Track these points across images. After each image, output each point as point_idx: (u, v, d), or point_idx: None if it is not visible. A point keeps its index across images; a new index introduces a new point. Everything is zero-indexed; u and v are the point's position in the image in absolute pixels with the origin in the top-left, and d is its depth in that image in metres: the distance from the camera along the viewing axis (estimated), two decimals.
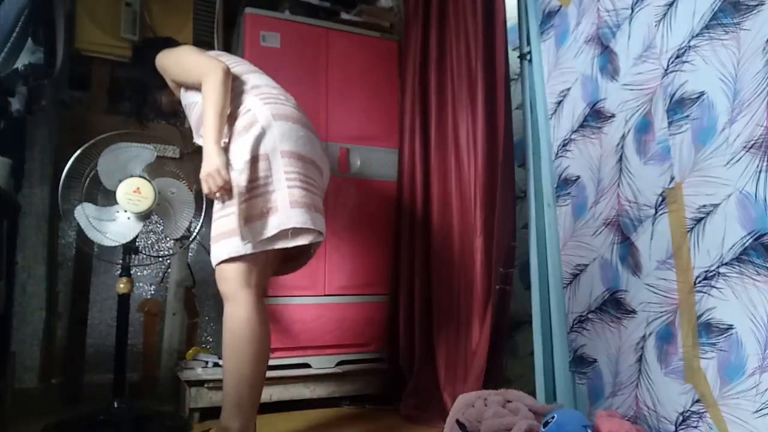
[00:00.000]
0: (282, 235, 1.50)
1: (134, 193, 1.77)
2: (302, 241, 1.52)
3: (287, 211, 1.50)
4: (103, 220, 1.78)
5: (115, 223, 1.79)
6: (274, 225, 1.49)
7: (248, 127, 1.55)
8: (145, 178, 1.79)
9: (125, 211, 1.79)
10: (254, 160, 1.52)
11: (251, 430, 1.53)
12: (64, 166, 2.19)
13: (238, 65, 1.74)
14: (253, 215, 1.50)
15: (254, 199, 1.50)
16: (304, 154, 1.58)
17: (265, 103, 1.60)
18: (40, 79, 1.95)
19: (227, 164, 1.53)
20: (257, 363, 1.51)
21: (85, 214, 1.76)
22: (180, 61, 1.72)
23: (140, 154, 1.85)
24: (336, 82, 2.46)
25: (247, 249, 1.48)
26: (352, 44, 2.51)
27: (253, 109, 1.58)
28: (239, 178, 1.50)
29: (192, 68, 1.66)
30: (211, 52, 1.77)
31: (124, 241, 1.80)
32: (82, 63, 2.31)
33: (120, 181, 1.78)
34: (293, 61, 2.39)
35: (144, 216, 1.82)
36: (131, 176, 1.79)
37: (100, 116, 2.31)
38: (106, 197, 1.83)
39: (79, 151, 1.80)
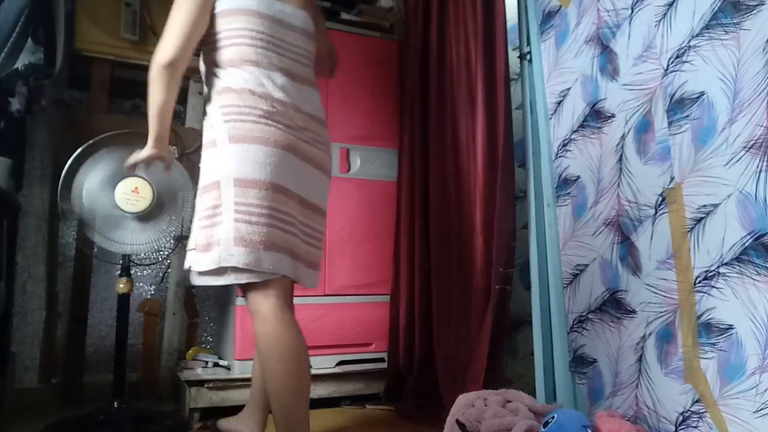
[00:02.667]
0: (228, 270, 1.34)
1: (132, 193, 1.77)
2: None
3: (230, 247, 1.32)
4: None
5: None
6: (214, 259, 1.33)
7: (208, 146, 1.44)
8: (143, 178, 1.78)
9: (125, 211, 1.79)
10: (208, 188, 1.40)
11: None
12: (64, 166, 2.19)
13: (243, 43, 1.45)
14: (204, 245, 1.36)
15: (204, 230, 1.38)
16: (276, 182, 1.36)
17: (225, 120, 1.40)
18: (40, 79, 1.95)
19: (153, 157, 1.50)
20: (303, 373, 1.39)
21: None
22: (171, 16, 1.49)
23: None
24: (336, 82, 2.46)
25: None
26: (352, 44, 2.51)
27: (215, 125, 1.43)
28: (197, 203, 1.42)
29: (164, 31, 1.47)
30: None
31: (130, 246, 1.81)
32: (82, 63, 2.31)
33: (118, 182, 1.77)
34: None
35: (143, 217, 1.81)
36: (129, 176, 1.76)
37: (100, 116, 2.31)
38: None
39: (79, 151, 1.80)
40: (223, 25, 1.45)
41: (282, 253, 1.36)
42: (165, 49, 1.44)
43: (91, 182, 1.78)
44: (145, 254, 1.95)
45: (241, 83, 1.42)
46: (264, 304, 1.37)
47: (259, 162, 1.35)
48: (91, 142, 1.82)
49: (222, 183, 1.36)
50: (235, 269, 1.33)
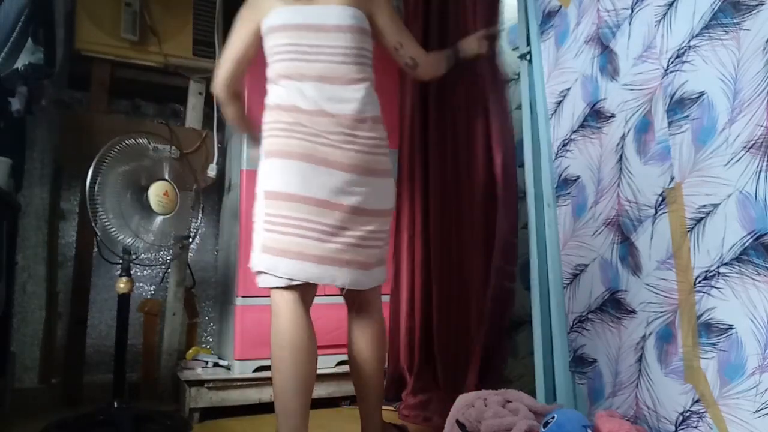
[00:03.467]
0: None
1: (163, 196, 1.83)
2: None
3: (257, 254, 1.47)
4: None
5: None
6: (251, 264, 1.50)
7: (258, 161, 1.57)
8: (170, 183, 1.88)
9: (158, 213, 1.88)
10: (256, 198, 1.53)
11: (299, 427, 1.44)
12: (64, 166, 2.20)
13: (278, 60, 1.54)
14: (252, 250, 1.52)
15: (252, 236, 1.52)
16: (297, 193, 1.43)
17: (265, 137, 1.52)
18: (40, 79, 1.95)
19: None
20: (302, 364, 1.44)
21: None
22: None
23: (164, 156, 1.93)
24: None
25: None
26: None
27: (262, 140, 1.55)
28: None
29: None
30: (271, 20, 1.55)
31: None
32: (82, 63, 2.32)
33: (149, 184, 1.86)
34: None
35: (167, 218, 1.89)
36: (160, 179, 1.87)
37: (100, 116, 2.31)
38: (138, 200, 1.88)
39: (101, 152, 1.81)
40: (266, 44, 1.58)
41: (296, 258, 1.43)
42: (214, 76, 1.67)
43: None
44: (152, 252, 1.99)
45: (274, 99, 1.54)
46: (279, 302, 1.46)
47: (281, 175, 1.46)
48: (110, 143, 1.86)
49: (258, 195, 1.51)
50: (262, 273, 1.47)
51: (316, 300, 2.28)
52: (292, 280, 1.44)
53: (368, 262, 1.52)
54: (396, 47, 1.65)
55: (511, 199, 1.89)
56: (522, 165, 1.95)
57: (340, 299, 2.30)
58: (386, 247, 1.59)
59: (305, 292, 1.48)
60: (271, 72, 1.56)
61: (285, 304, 1.45)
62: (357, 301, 1.59)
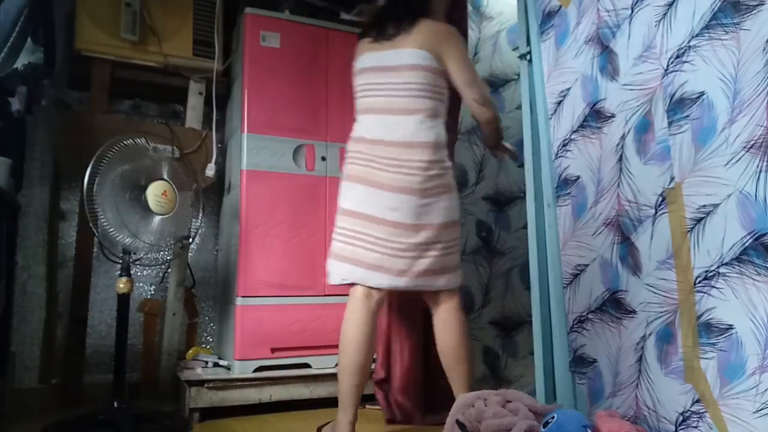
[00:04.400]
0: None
1: (162, 196, 1.83)
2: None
3: (329, 259, 1.82)
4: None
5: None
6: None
7: None
8: (169, 182, 1.87)
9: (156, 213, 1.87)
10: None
11: (345, 416, 1.68)
12: (64, 166, 2.20)
13: (359, 97, 1.90)
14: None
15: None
16: (354, 210, 1.76)
17: (346, 163, 1.85)
18: (39, 79, 1.95)
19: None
20: (350, 355, 1.70)
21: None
22: None
23: (163, 156, 1.93)
24: (336, 82, 2.46)
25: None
26: (352, 44, 2.50)
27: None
28: None
29: None
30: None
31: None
32: (82, 63, 2.31)
33: (148, 184, 1.85)
34: (293, 61, 2.39)
35: (165, 218, 1.88)
36: (159, 179, 1.87)
37: (100, 116, 2.31)
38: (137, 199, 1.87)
39: (99, 152, 1.81)
40: (355, 82, 1.93)
41: (347, 263, 1.75)
42: None
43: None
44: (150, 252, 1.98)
45: (352, 133, 1.87)
46: (349, 299, 1.77)
47: (345, 195, 1.81)
48: (109, 142, 1.86)
49: (337, 211, 1.84)
50: (328, 273, 1.83)
51: (316, 300, 2.30)
52: (343, 279, 1.76)
53: (426, 268, 1.73)
54: (466, 85, 1.81)
55: None
56: (522, 165, 1.95)
57: (340, 300, 2.31)
58: (451, 255, 1.79)
59: (373, 291, 1.75)
60: (356, 109, 1.90)
61: (351, 303, 1.76)
62: (434, 302, 1.82)
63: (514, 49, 2.01)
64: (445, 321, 1.80)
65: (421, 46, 1.77)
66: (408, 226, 1.71)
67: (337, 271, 1.78)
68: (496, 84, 2.52)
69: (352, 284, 1.77)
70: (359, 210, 1.75)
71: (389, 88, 1.79)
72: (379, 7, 1.96)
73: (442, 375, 1.94)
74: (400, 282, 1.72)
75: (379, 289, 1.75)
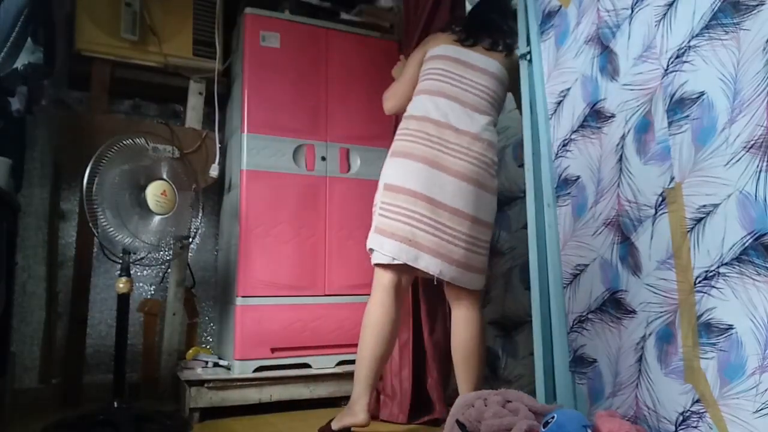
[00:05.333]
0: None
1: (161, 195, 1.83)
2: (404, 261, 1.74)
3: (371, 234, 1.80)
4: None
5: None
6: (369, 241, 1.82)
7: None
8: (169, 182, 1.88)
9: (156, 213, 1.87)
10: (378, 188, 1.84)
11: (362, 399, 1.70)
12: (64, 166, 2.19)
13: (426, 78, 1.90)
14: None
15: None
16: (413, 189, 1.73)
17: (396, 139, 1.84)
18: (39, 79, 1.95)
19: None
20: (370, 345, 1.71)
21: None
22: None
23: (163, 156, 1.92)
24: (336, 82, 2.47)
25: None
26: (352, 44, 2.51)
27: (393, 142, 1.87)
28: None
29: None
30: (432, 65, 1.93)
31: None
32: (82, 63, 2.31)
33: (147, 183, 1.85)
34: (293, 61, 2.39)
35: (165, 218, 1.89)
36: (158, 179, 1.87)
37: (100, 116, 2.31)
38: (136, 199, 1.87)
39: (98, 152, 1.81)
40: (423, 68, 1.93)
41: (401, 242, 1.72)
42: (391, 97, 2.09)
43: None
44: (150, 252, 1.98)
45: (410, 110, 1.88)
46: (377, 282, 1.77)
47: (401, 172, 1.77)
48: (109, 142, 1.86)
49: (379, 186, 1.83)
50: (372, 250, 1.79)
51: (316, 300, 2.30)
52: (394, 258, 1.73)
53: (467, 263, 1.77)
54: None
55: None
56: (522, 165, 1.95)
57: (341, 300, 2.33)
58: (486, 257, 1.85)
59: (403, 276, 1.76)
60: (417, 89, 1.90)
61: (380, 285, 1.75)
62: (457, 298, 1.84)
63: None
64: (465, 319, 1.82)
65: (504, 65, 1.94)
66: (467, 215, 1.75)
67: (387, 248, 1.74)
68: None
69: (384, 267, 1.76)
70: (419, 190, 1.73)
71: (468, 83, 1.86)
72: (476, 17, 2.04)
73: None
74: (450, 271, 1.73)
75: (409, 277, 1.77)
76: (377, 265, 1.80)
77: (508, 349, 2.20)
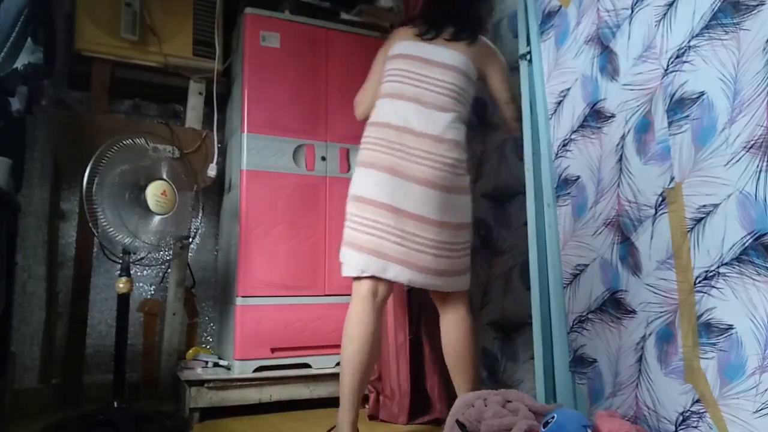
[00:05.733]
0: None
1: (161, 195, 1.83)
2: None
3: (341, 247, 1.76)
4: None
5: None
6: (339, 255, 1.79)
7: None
8: (168, 182, 1.88)
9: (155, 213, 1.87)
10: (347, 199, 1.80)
11: (346, 415, 1.65)
12: (64, 166, 2.19)
13: (387, 80, 1.85)
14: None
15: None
16: (378, 200, 1.69)
17: (360, 147, 1.80)
18: (39, 79, 1.95)
19: None
20: (353, 354, 1.67)
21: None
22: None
23: (163, 156, 1.93)
24: (336, 82, 2.47)
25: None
26: (352, 44, 2.51)
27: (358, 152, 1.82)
28: None
29: None
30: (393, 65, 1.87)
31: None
32: (82, 63, 2.31)
33: (147, 183, 1.85)
34: (293, 61, 2.39)
35: (165, 218, 1.88)
36: (158, 179, 1.87)
37: (100, 116, 2.31)
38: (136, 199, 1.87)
39: (98, 152, 1.81)
40: (385, 69, 1.88)
41: (368, 254, 1.68)
42: (360, 102, 2.04)
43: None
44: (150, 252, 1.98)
45: (372, 116, 1.82)
46: (354, 293, 1.73)
47: (365, 183, 1.73)
48: (108, 142, 1.86)
49: (348, 197, 1.78)
50: (342, 263, 1.76)
51: (316, 300, 2.30)
52: (362, 271, 1.70)
53: (439, 268, 1.72)
54: (506, 102, 1.93)
55: None
56: (522, 160, 1.94)
57: (340, 300, 2.32)
58: (462, 258, 1.79)
59: (379, 285, 1.71)
60: (379, 93, 1.85)
61: (355, 300, 1.72)
62: (441, 302, 1.82)
63: (515, 37, 2.01)
64: (452, 321, 1.80)
65: (470, 57, 1.85)
66: (434, 222, 1.69)
67: (354, 262, 1.71)
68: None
69: (358, 278, 1.72)
70: (383, 200, 1.69)
71: (427, 81, 1.79)
72: (438, 5, 1.94)
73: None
74: (420, 278, 1.70)
75: (387, 286, 1.72)
76: (352, 277, 1.76)
77: (508, 352, 2.18)
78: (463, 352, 1.78)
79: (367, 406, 2.15)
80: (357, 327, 1.68)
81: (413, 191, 1.68)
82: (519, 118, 1.88)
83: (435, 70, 1.80)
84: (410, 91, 1.78)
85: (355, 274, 1.73)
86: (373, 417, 2.08)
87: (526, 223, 1.87)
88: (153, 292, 2.58)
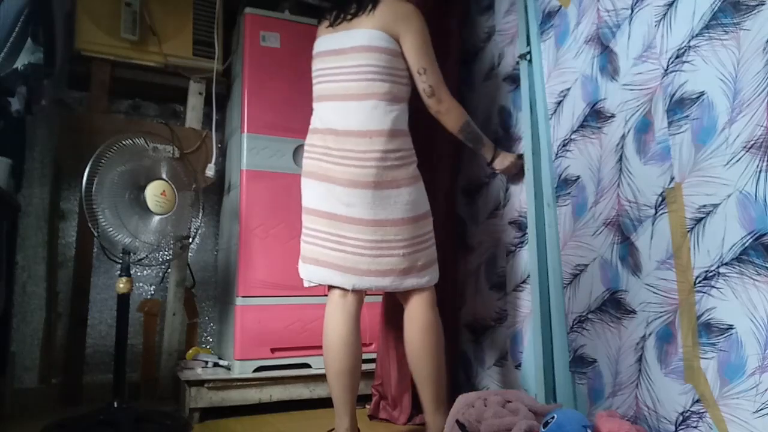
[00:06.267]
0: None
1: (161, 196, 1.83)
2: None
3: (300, 262, 1.74)
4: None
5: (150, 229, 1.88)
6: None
7: None
8: (168, 182, 1.87)
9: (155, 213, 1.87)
10: None
11: (344, 422, 1.62)
12: (64, 166, 2.19)
13: (314, 85, 1.78)
14: None
15: None
16: (315, 208, 1.67)
17: (303, 157, 1.75)
18: (40, 79, 1.95)
19: None
20: (332, 361, 1.63)
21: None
22: None
23: (163, 156, 1.93)
24: None
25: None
26: None
27: None
28: None
29: None
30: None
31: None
32: (82, 63, 2.31)
33: (147, 183, 1.85)
34: (293, 61, 2.39)
35: (164, 218, 1.88)
36: (158, 179, 1.87)
37: (100, 116, 2.31)
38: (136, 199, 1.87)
39: (97, 152, 1.81)
40: (312, 73, 1.79)
41: (312, 264, 1.68)
42: None
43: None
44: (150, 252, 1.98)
45: (311, 123, 1.76)
46: (327, 301, 1.71)
47: (305, 192, 1.71)
48: (109, 142, 1.86)
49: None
50: (302, 276, 1.74)
51: (316, 300, 2.30)
52: (311, 282, 1.70)
53: (381, 269, 1.61)
54: (418, 72, 1.67)
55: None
56: None
57: None
58: (410, 254, 1.63)
59: (347, 293, 1.66)
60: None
61: (328, 305, 1.69)
62: (402, 300, 1.72)
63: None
64: (409, 319, 1.68)
65: (378, 27, 1.63)
66: (365, 221, 1.59)
67: (304, 273, 1.71)
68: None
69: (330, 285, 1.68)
70: (318, 207, 1.66)
71: (342, 72, 1.65)
72: None
73: None
74: (363, 282, 1.61)
75: (352, 291, 1.66)
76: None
77: (478, 356, 2.11)
78: (417, 351, 1.65)
79: (367, 406, 2.15)
80: (331, 335, 1.64)
81: (341, 194, 1.60)
82: (436, 93, 1.67)
83: (347, 58, 1.65)
84: (328, 90, 1.69)
85: (306, 285, 1.73)
86: (373, 417, 2.08)
87: (491, 215, 1.84)
88: (153, 292, 2.58)
